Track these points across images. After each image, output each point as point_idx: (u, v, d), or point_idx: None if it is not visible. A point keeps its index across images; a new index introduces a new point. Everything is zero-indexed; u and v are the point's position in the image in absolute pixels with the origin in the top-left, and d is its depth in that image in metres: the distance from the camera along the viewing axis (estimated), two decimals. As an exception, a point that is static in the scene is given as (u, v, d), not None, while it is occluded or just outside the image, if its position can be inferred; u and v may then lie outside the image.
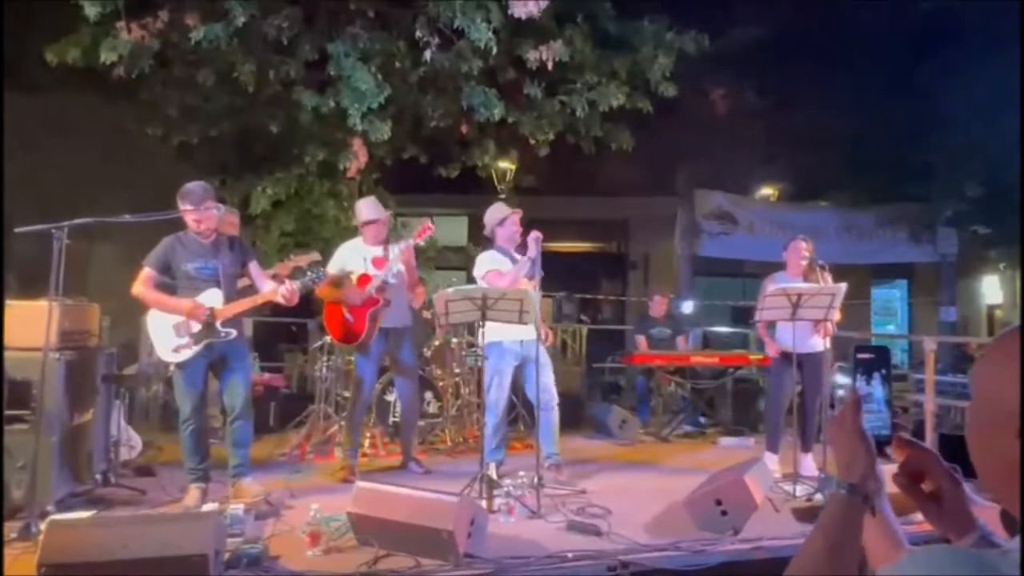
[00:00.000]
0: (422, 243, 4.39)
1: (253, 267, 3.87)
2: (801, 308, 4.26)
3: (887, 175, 9.43)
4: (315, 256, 4.63)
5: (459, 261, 9.72)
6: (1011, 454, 0.74)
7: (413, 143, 7.37)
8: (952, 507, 0.96)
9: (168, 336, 3.67)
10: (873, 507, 0.92)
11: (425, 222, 4.47)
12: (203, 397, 3.80)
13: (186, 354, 3.65)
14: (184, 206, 3.65)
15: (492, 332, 4.28)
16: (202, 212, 3.65)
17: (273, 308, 5.06)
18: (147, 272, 3.70)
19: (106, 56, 4.75)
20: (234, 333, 3.70)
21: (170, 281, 3.75)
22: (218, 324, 3.65)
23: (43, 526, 2.84)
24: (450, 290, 3.94)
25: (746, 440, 5.98)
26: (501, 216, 4.51)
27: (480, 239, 9.87)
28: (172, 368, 3.79)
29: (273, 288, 3.73)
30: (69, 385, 3.66)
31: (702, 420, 6.68)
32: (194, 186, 3.72)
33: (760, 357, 5.98)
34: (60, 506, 3.48)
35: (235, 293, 3.80)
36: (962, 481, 0.98)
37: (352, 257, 4.52)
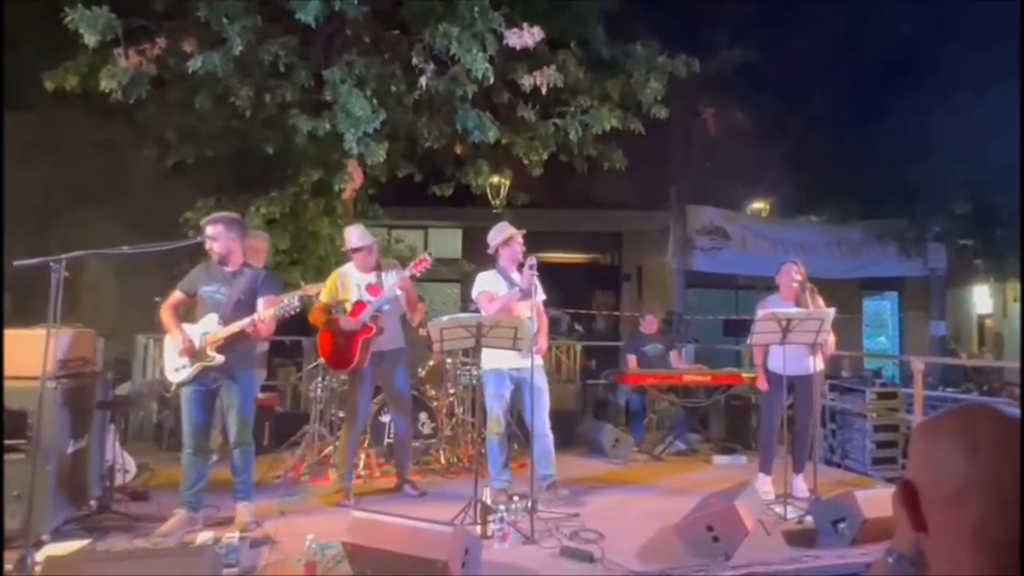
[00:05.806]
0: (418, 275, 4.38)
1: (260, 301, 3.88)
2: (791, 332, 4.33)
3: (875, 192, 9.57)
4: (317, 289, 4.62)
5: (452, 273, 9.77)
6: (965, 527, 0.72)
7: (408, 162, 7.42)
8: None
9: (173, 356, 3.87)
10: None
11: (422, 254, 4.45)
12: (203, 424, 3.90)
13: (184, 375, 3.83)
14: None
15: (489, 359, 4.35)
16: (207, 239, 3.86)
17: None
18: (175, 294, 3.98)
19: (106, 84, 4.76)
20: (220, 359, 3.77)
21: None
22: (208, 349, 3.78)
23: (38, 561, 2.87)
24: (444, 319, 3.96)
25: (739, 458, 6.03)
26: (504, 236, 4.53)
27: (472, 254, 9.97)
28: (176, 388, 4.00)
29: (248, 319, 3.78)
30: (66, 413, 3.69)
31: (695, 438, 6.72)
32: (211, 216, 4.02)
33: (752, 375, 6.03)
34: (56, 535, 3.51)
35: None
36: None
37: (346, 283, 4.52)
